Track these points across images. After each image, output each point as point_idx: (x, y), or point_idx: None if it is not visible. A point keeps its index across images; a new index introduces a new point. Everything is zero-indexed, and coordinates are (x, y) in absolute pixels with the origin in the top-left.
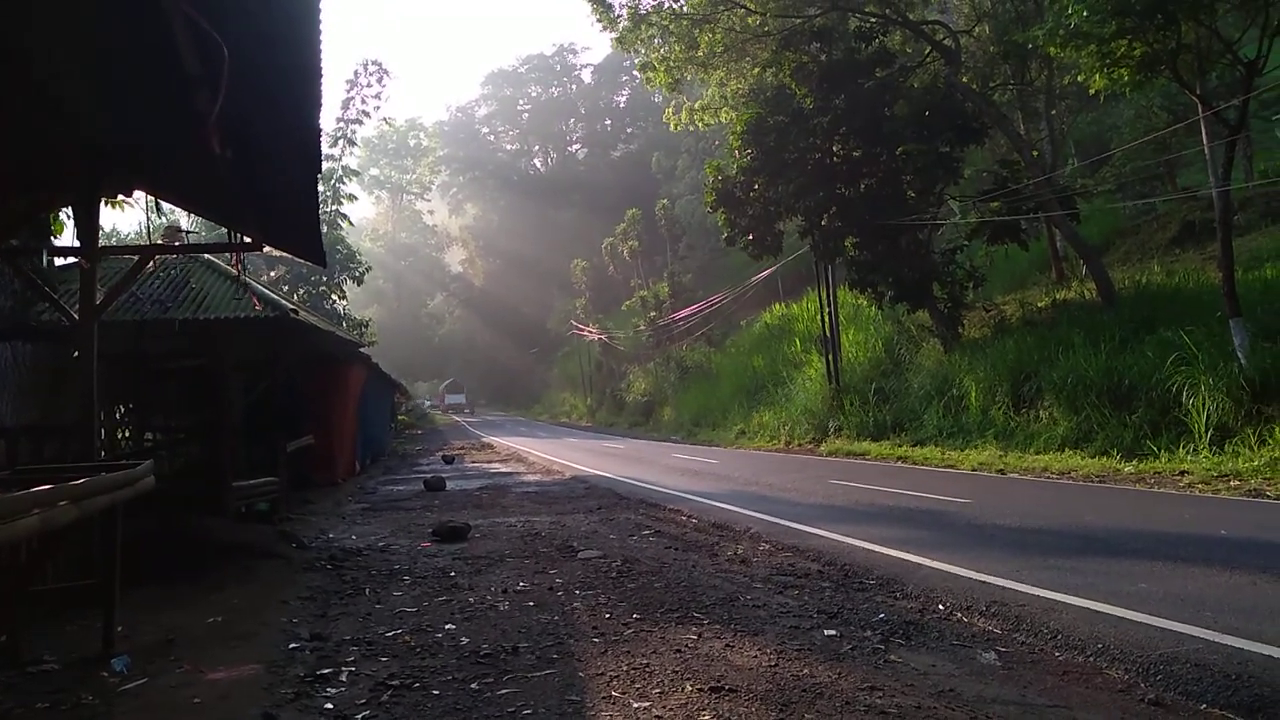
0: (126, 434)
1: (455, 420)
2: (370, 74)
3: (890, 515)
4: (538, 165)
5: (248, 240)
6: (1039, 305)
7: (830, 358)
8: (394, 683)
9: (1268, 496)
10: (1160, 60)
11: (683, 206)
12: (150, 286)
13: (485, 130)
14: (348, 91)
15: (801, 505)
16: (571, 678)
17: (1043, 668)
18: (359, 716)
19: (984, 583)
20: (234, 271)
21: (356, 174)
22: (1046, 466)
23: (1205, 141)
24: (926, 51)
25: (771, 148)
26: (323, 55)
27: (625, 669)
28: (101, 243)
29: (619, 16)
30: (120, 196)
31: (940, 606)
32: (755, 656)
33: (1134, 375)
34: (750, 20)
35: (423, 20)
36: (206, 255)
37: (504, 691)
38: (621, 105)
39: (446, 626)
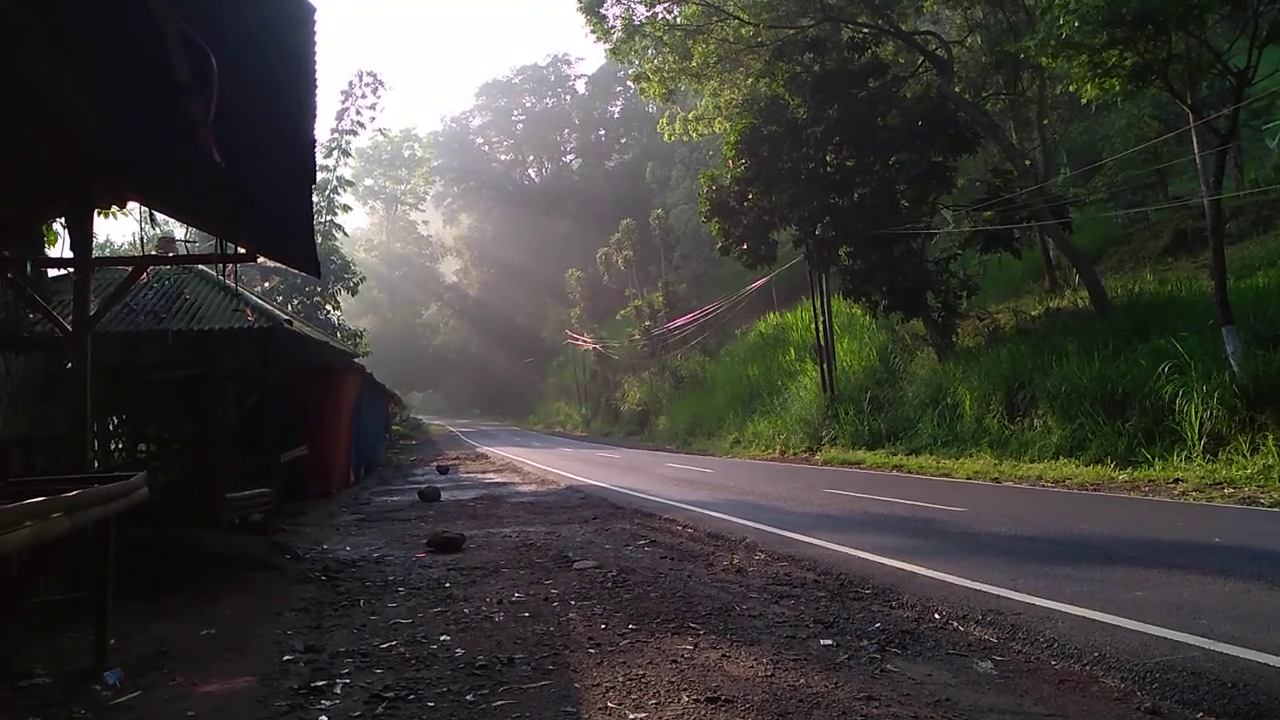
0: (120, 445)
1: (450, 430)
2: (365, 84)
3: (885, 524)
4: (532, 175)
5: (242, 251)
6: (1032, 314)
7: (825, 367)
8: (389, 694)
9: (1261, 504)
10: (1151, 70)
11: (677, 216)
12: (144, 297)
13: (479, 140)
14: (342, 102)
15: (797, 514)
16: (567, 689)
17: (1039, 676)
18: None
19: (979, 591)
20: (228, 282)
21: (351, 184)
22: (1041, 475)
23: (1196, 150)
24: (919, 62)
25: (765, 158)
26: (317, 65)
27: (621, 680)
28: (95, 253)
29: (613, 28)
30: (113, 206)
31: (936, 615)
32: (751, 667)
33: (1127, 383)
34: (743, 31)
35: (417, 31)
36: (200, 266)
37: (499, 703)
38: (615, 116)
39: (441, 638)
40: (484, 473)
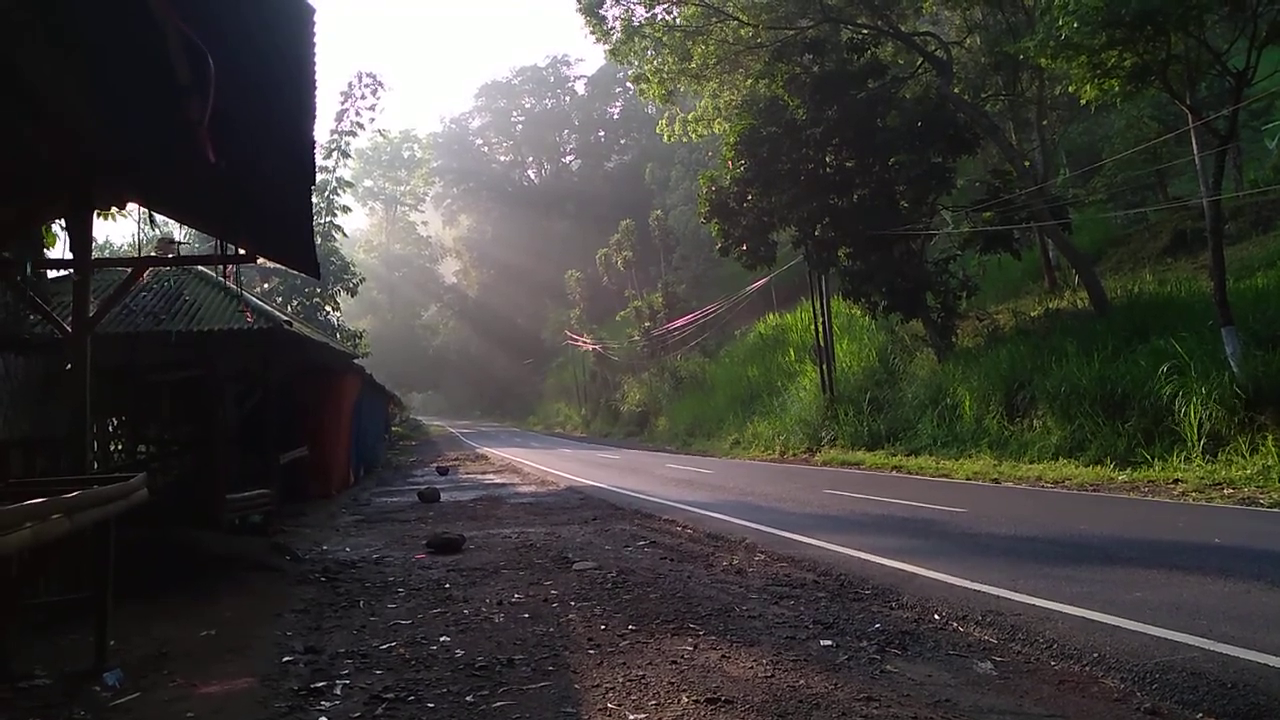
0: (119, 446)
1: (450, 431)
2: (364, 85)
3: (885, 525)
4: (531, 176)
5: (241, 252)
6: (1032, 314)
7: (824, 367)
8: (389, 695)
9: (1261, 504)
10: (1150, 71)
11: (676, 217)
12: (143, 299)
13: (479, 141)
14: (342, 103)
15: (797, 515)
16: (567, 690)
17: (1039, 677)
18: None
19: (979, 592)
20: (228, 284)
21: (350, 185)
22: (1040, 475)
23: (1195, 151)
24: (918, 63)
25: (765, 159)
26: (316, 66)
27: (621, 680)
28: (94, 255)
29: (612, 29)
30: (113, 207)
31: (936, 616)
32: (751, 667)
33: (1127, 384)
34: (743, 32)
35: (417, 31)
36: (200, 267)
37: (499, 704)
38: (615, 117)
39: (441, 639)
40: (484, 474)
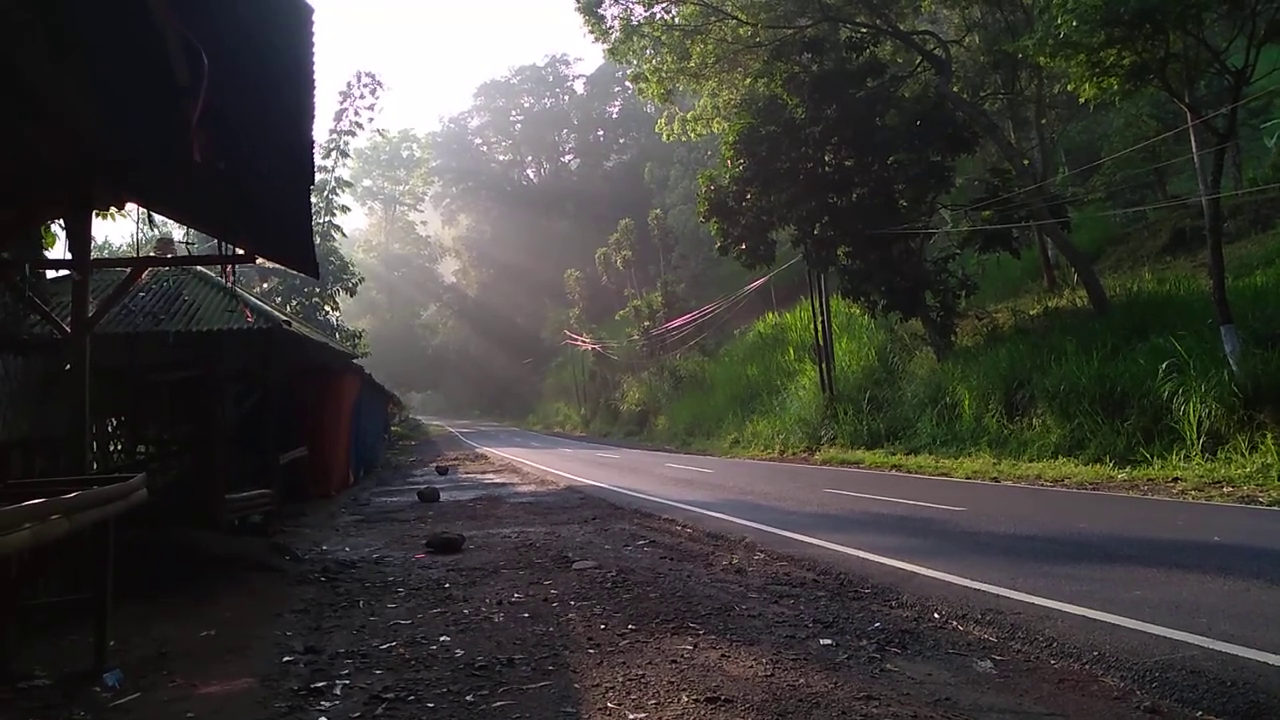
0: (119, 446)
1: (449, 431)
2: (363, 85)
3: (885, 524)
4: (530, 176)
5: (240, 252)
6: (1031, 313)
7: (823, 366)
8: (389, 695)
9: (1260, 503)
10: (1149, 69)
11: (675, 216)
12: (143, 299)
13: (478, 141)
14: (340, 103)
15: (796, 514)
16: (567, 689)
17: (1038, 675)
18: None
19: (979, 591)
20: (226, 283)
21: (349, 185)
22: (1040, 474)
23: (1194, 149)
24: (917, 61)
25: (764, 158)
26: (315, 66)
27: (621, 680)
28: (93, 255)
29: (611, 28)
30: (112, 208)
31: (935, 615)
32: (751, 667)
33: (1126, 382)
34: (741, 31)
35: (417, 31)
36: (199, 267)
37: (499, 703)
38: (614, 116)
39: (441, 638)
40: (483, 473)
